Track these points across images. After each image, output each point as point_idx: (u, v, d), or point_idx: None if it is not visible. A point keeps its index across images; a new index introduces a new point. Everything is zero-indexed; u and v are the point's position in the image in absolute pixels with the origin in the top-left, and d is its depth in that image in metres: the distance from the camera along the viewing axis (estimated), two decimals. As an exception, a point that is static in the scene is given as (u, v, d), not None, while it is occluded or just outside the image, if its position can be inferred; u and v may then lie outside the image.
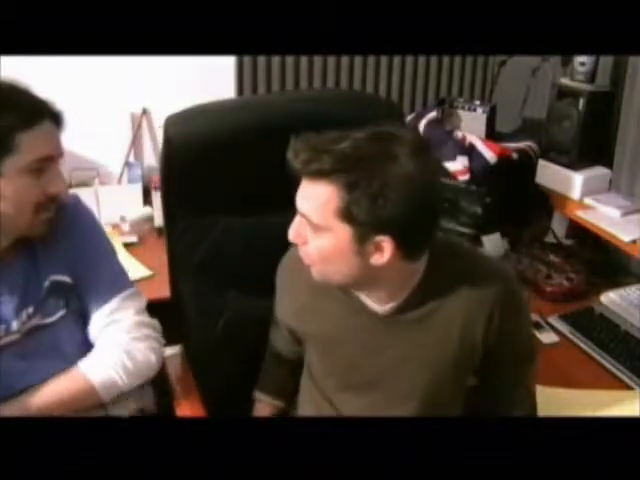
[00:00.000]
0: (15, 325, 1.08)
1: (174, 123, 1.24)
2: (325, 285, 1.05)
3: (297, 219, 0.99)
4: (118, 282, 1.18)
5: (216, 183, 1.28)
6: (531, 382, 1.22)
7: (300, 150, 0.93)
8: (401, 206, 0.90)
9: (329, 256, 0.97)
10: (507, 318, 1.05)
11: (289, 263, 1.15)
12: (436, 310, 1.05)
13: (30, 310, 1.09)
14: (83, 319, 1.15)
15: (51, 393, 1.08)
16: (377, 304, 1.06)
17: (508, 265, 1.13)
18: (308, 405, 1.23)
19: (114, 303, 1.14)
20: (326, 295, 1.09)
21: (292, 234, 1.00)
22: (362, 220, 0.91)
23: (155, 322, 1.20)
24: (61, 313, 1.13)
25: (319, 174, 0.92)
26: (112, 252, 1.22)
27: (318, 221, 0.94)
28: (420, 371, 1.09)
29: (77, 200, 1.19)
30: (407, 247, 0.96)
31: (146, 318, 1.19)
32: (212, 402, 1.32)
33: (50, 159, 1.05)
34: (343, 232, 0.93)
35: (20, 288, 1.09)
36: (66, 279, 1.13)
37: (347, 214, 0.91)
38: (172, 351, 1.37)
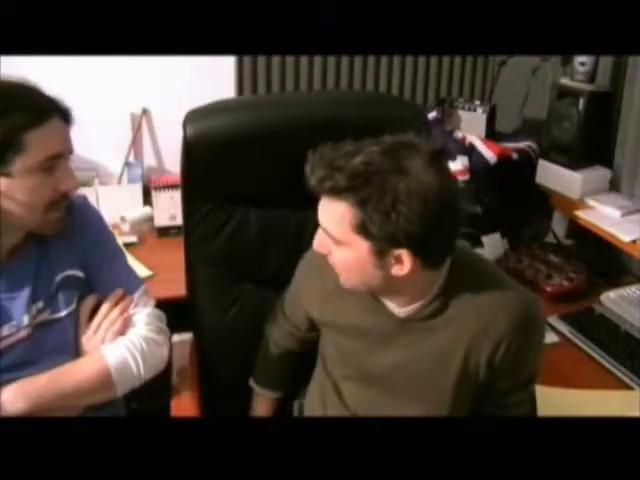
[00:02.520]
0: (26, 320, 1.09)
1: (193, 119, 1.27)
2: None
3: (319, 231, 1.01)
4: (133, 279, 1.23)
5: (234, 177, 1.31)
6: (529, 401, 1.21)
7: (316, 166, 0.94)
8: (415, 220, 0.90)
9: (351, 267, 1.00)
10: (514, 350, 1.05)
11: (319, 259, 1.14)
12: (448, 323, 1.06)
13: (40, 305, 1.10)
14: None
15: (71, 372, 1.09)
16: (396, 307, 1.08)
17: (531, 297, 1.09)
18: (316, 392, 1.27)
19: (134, 298, 1.18)
20: (351, 291, 1.10)
21: (316, 245, 1.03)
22: (377, 235, 0.92)
23: (164, 316, 1.23)
24: (71, 308, 1.14)
25: (333, 192, 0.93)
26: (122, 251, 1.25)
27: (337, 236, 0.96)
28: (422, 377, 1.10)
29: (86, 200, 1.22)
30: (427, 258, 0.97)
31: (159, 312, 1.22)
32: (217, 390, 1.37)
33: (60, 157, 1.05)
34: (362, 246, 0.95)
35: (31, 283, 1.10)
36: (79, 274, 1.16)
37: (363, 230, 0.93)
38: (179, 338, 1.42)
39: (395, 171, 0.90)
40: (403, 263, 0.95)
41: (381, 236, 0.92)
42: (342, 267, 1.02)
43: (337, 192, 0.92)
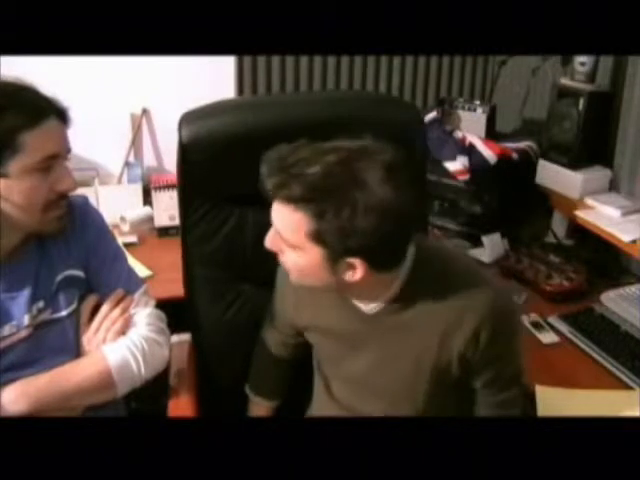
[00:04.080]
0: (26, 320, 1.09)
1: (188, 120, 1.27)
2: None
3: (272, 231, 1.01)
4: (133, 279, 1.23)
5: (231, 178, 1.31)
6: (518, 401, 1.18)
7: (271, 171, 0.93)
8: (370, 233, 0.90)
9: (304, 270, 1.00)
10: (487, 342, 1.03)
11: None
12: (417, 316, 1.06)
13: (40, 304, 1.11)
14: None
15: (72, 372, 1.10)
16: (362, 304, 1.08)
17: (502, 290, 1.10)
18: (314, 392, 1.28)
19: (135, 298, 1.19)
20: (321, 292, 1.11)
21: (268, 243, 1.02)
22: (332, 244, 0.93)
23: (164, 316, 1.23)
24: (72, 308, 1.14)
25: (289, 200, 0.92)
26: (123, 251, 1.26)
27: (291, 240, 0.96)
28: (398, 376, 1.10)
29: (86, 200, 1.22)
30: (379, 264, 0.98)
31: (160, 313, 1.22)
32: (214, 391, 1.37)
33: (57, 157, 1.05)
34: (315, 252, 0.95)
35: (31, 283, 1.10)
36: (80, 274, 1.16)
37: (317, 238, 0.93)
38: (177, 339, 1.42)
39: (353, 184, 0.89)
40: (356, 270, 0.96)
41: (336, 246, 0.93)
42: (294, 268, 1.02)
43: (293, 201, 0.92)
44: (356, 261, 0.95)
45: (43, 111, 1.02)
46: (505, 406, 1.13)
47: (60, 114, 1.06)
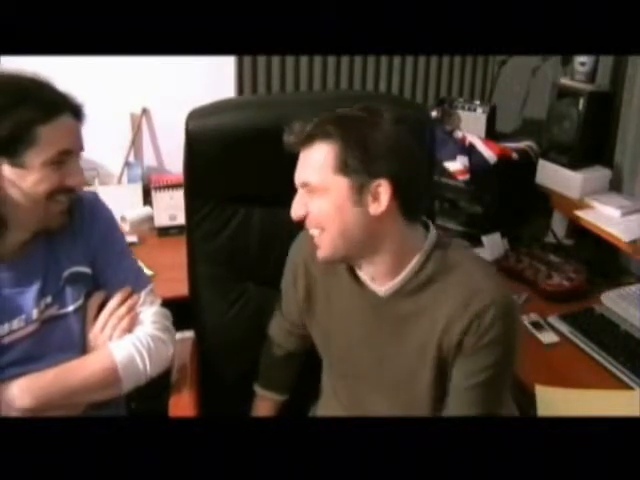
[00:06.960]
0: (35, 315, 1.09)
1: (195, 117, 1.28)
2: (333, 265, 1.13)
3: (297, 195, 1.06)
4: (141, 277, 1.23)
5: (236, 176, 1.32)
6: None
7: (294, 125, 1.04)
8: (392, 149, 1.00)
9: (330, 216, 1.02)
10: (485, 329, 1.01)
11: (303, 242, 1.19)
12: (427, 303, 1.06)
13: (48, 300, 1.11)
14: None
15: (78, 368, 1.10)
16: (377, 284, 1.09)
17: (508, 291, 1.10)
18: (321, 393, 1.30)
19: (141, 296, 1.19)
20: (334, 273, 1.14)
21: (294, 209, 1.06)
22: (358, 168, 0.99)
23: (170, 315, 1.24)
24: (78, 304, 1.15)
25: (314, 135, 1.01)
26: (129, 249, 1.26)
27: (316, 182, 1.02)
28: (402, 366, 1.11)
29: (96, 196, 1.23)
30: (403, 196, 1.01)
31: (166, 311, 1.23)
32: (217, 388, 1.38)
33: (70, 152, 1.06)
34: (341, 185, 1.00)
35: (40, 278, 1.10)
36: (86, 270, 1.16)
37: (343, 166, 1.00)
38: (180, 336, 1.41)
39: (370, 116, 1.02)
40: (380, 197, 1.00)
41: (361, 168, 0.99)
42: (321, 219, 1.03)
43: (319, 133, 1.01)
44: (381, 183, 0.99)
45: (58, 106, 1.04)
46: (475, 391, 1.06)
47: (75, 111, 1.07)
